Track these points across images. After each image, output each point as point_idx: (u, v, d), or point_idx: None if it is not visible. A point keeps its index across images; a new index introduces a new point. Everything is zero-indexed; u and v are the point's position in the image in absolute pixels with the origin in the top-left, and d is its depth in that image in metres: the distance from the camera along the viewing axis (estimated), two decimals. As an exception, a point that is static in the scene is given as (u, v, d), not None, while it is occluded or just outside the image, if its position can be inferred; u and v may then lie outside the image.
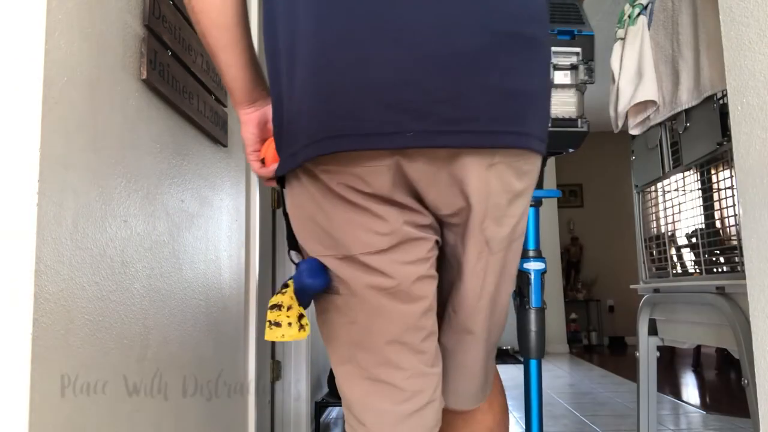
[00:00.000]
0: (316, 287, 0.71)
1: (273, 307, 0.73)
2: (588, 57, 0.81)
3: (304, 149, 0.65)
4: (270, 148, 0.81)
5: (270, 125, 0.80)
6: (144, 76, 0.93)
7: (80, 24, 0.76)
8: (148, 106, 0.97)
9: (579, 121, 0.78)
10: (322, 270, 0.71)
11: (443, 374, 0.78)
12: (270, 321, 0.73)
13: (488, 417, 0.90)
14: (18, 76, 0.67)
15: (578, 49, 0.82)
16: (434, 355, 0.75)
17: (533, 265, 0.92)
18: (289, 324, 0.73)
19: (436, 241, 0.74)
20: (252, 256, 1.59)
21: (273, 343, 2.44)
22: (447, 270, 0.76)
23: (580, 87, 0.79)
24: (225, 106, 1.35)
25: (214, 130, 1.26)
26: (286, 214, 0.76)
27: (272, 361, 2.42)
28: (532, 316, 0.92)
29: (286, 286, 0.74)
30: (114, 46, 0.86)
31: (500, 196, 0.69)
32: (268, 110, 0.82)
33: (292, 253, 0.77)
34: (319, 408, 2.73)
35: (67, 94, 0.73)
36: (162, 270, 1.00)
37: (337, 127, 0.63)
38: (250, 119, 0.83)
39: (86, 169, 0.77)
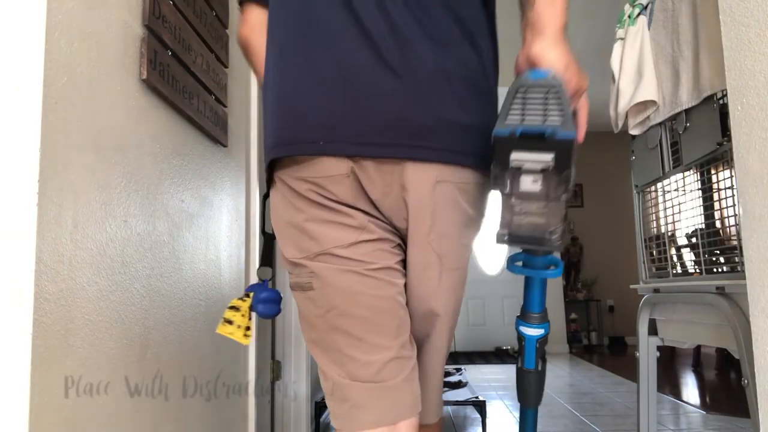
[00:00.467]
0: (265, 315, 0.86)
1: (231, 308, 0.85)
2: (563, 168, 0.68)
3: (268, 157, 0.82)
4: None
5: None
6: (144, 76, 0.93)
7: (80, 24, 0.76)
8: (148, 106, 0.97)
9: (548, 235, 0.69)
10: (276, 302, 0.87)
11: None
12: (225, 318, 0.85)
13: None
14: (18, 76, 0.67)
15: (550, 156, 0.69)
16: (408, 341, 0.81)
17: (530, 331, 0.88)
18: (239, 326, 0.85)
19: (399, 244, 0.82)
20: (252, 256, 1.59)
21: (273, 344, 2.44)
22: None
23: (552, 197, 0.68)
24: (225, 106, 1.35)
25: (214, 130, 1.26)
26: (265, 233, 0.90)
27: (272, 361, 2.42)
28: (524, 376, 0.90)
29: (247, 295, 0.86)
30: (114, 46, 0.85)
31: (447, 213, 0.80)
32: None
33: (261, 269, 0.91)
34: (319, 408, 2.73)
35: (67, 94, 0.73)
36: (162, 270, 1.00)
37: (284, 138, 0.79)
38: None
39: (86, 169, 0.77)
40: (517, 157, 0.71)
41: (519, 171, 0.72)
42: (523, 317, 0.90)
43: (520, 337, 0.91)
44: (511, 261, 0.87)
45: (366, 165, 0.77)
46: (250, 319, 0.86)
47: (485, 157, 0.77)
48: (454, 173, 0.78)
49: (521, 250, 0.83)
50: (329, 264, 0.78)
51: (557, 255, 0.81)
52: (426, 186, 0.77)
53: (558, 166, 0.69)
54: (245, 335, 0.85)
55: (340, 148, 0.77)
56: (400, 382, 0.79)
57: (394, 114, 0.77)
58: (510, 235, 0.73)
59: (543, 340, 0.90)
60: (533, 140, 0.70)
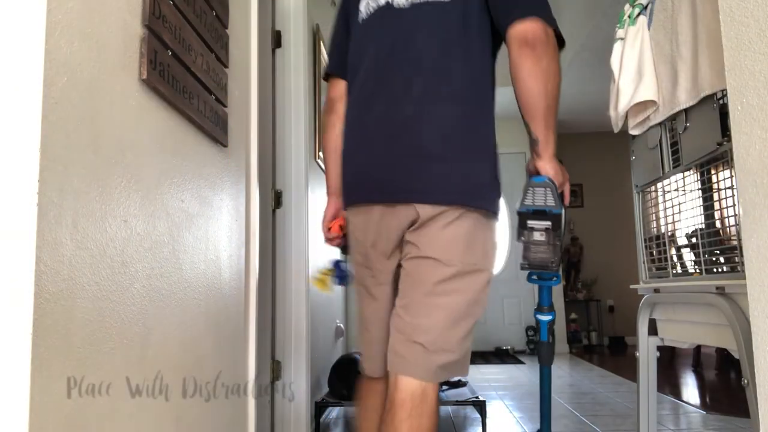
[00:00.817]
0: (338, 281, 1.55)
1: (321, 272, 1.55)
2: (556, 228, 1.27)
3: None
4: (335, 223, 1.47)
5: (339, 212, 1.48)
6: (144, 76, 0.93)
7: (80, 24, 0.76)
8: (148, 106, 0.97)
9: (550, 264, 1.28)
10: (346, 274, 1.53)
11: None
12: (316, 277, 1.55)
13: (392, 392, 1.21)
14: (18, 76, 0.67)
15: (548, 223, 1.27)
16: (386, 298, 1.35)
17: (543, 317, 1.46)
18: (324, 284, 1.55)
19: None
20: (252, 256, 1.59)
21: (273, 344, 2.44)
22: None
23: (551, 243, 1.27)
24: (225, 106, 1.35)
25: (214, 130, 1.26)
26: (344, 247, 1.50)
27: (272, 361, 2.42)
28: (541, 346, 1.48)
29: (330, 267, 1.55)
30: (114, 46, 0.86)
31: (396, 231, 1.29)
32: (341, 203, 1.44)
33: (342, 255, 1.52)
34: (319, 408, 2.73)
35: (67, 94, 0.73)
36: (162, 270, 1.00)
37: (347, 192, 1.36)
38: (331, 204, 1.49)
39: (86, 169, 0.77)
40: (531, 223, 1.28)
41: (532, 230, 1.28)
42: (539, 309, 1.46)
43: (537, 321, 1.48)
44: (529, 276, 1.41)
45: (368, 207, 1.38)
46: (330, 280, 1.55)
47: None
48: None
49: (535, 272, 1.37)
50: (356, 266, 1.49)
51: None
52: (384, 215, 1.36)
53: (553, 227, 1.27)
54: (324, 287, 1.55)
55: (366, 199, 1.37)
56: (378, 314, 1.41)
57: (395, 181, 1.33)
58: (528, 264, 1.29)
59: (552, 323, 1.47)
60: (539, 214, 1.27)
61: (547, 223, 1.26)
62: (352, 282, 1.45)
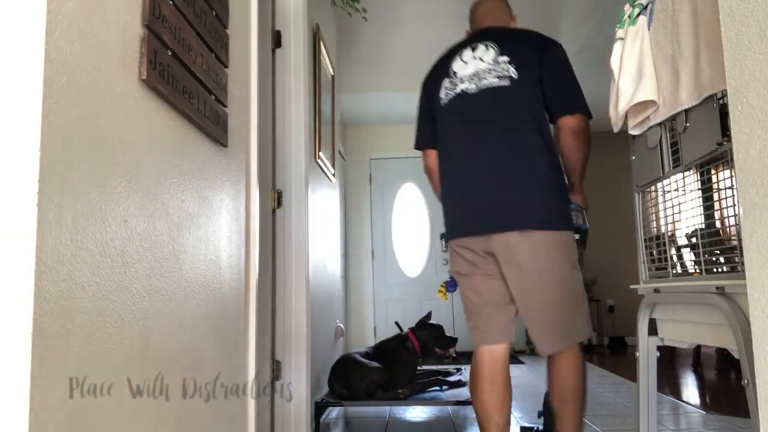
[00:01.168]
0: (451, 290, 2.08)
1: (441, 286, 2.16)
2: (584, 240, 1.93)
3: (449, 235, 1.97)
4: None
5: None
6: (144, 76, 0.93)
7: (80, 24, 0.76)
8: (148, 106, 0.97)
9: (579, 237, 1.90)
10: (454, 283, 2.02)
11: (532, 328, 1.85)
12: (440, 290, 2.20)
13: (561, 362, 1.81)
14: (18, 76, 0.67)
15: (578, 236, 1.89)
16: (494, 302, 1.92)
17: None
18: (443, 294, 2.21)
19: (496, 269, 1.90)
20: (252, 256, 1.59)
21: (273, 344, 2.44)
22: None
23: (581, 238, 1.92)
24: (225, 106, 1.35)
25: (214, 130, 1.26)
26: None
27: (272, 361, 2.42)
28: None
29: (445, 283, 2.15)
30: (114, 46, 0.85)
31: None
32: None
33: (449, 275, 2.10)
34: (319, 408, 2.73)
35: (67, 94, 0.73)
36: (162, 270, 1.00)
37: (456, 230, 1.93)
38: None
39: (86, 169, 0.77)
40: None
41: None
42: None
43: None
44: None
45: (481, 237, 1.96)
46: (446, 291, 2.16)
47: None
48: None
49: None
50: (458, 276, 2.07)
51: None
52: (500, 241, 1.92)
53: (581, 239, 1.89)
54: (443, 295, 2.22)
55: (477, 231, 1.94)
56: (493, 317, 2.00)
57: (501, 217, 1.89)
58: None
59: None
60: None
61: (577, 236, 1.87)
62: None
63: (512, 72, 1.79)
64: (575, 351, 1.78)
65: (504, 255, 1.76)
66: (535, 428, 2.64)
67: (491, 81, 1.81)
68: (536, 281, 1.74)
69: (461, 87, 1.86)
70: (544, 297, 1.74)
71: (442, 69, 1.96)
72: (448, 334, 3.27)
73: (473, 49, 1.89)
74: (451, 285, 2.15)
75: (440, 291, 2.38)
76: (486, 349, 1.84)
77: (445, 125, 1.91)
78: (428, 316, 3.28)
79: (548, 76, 1.78)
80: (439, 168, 1.97)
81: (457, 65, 1.90)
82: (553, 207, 1.76)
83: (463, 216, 1.85)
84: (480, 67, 1.84)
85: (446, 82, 1.91)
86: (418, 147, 2.06)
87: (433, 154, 2.00)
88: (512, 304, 1.84)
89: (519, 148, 1.75)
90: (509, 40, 1.85)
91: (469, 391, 1.90)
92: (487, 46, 1.86)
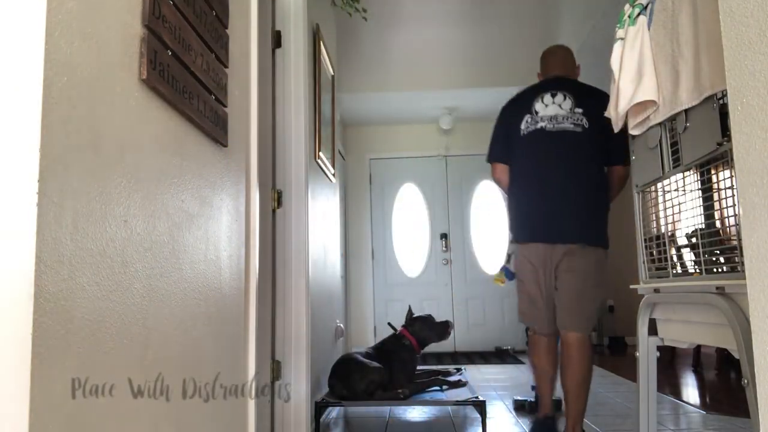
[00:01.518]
0: (509, 277, 2.93)
1: (500, 273, 3.06)
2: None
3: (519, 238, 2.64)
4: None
5: None
6: (144, 76, 0.93)
7: (80, 24, 0.76)
8: (148, 106, 0.97)
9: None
10: (511, 273, 2.88)
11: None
12: (495, 276, 3.09)
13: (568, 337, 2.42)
14: (18, 76, 0.67)
15: None
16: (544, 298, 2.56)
17: None
18: (500, 281, 3.08)
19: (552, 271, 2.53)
20: (252, 256, 1.59)
21: (273, 344, 2.44)
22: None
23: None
24: (225, 106, 1.35)
25: (214, 130, 1.26)
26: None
27: (272, 361, 2.42)
28: None
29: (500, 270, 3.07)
30: (114, 46, 0.85)
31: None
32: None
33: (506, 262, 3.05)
34: (319, 408, 2.73)
35: (67, 94, 0.73)
36: (162, 270, 1.00)
37: (527, 235, 2.55)
38: None
39: (86, 169, 0.77)
40: None
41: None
42: None
43: None
44: None
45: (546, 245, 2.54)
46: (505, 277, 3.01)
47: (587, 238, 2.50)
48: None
49: None
50: (520, 276, 2.65)
51: None
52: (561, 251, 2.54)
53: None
54: (502, 282, 3.06)
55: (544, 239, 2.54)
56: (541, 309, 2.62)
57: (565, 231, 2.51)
58: None
59: None
60: None
61: None
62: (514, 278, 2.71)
63: (585, 122, 2.42)
64: (587, 339, 2.43)
65: (564, 259, 2.39)
66: (527, 401, 3.22)
67: (567, 126, 2.43)
68: (581, 280, 2.38)
69: (541, 124, 2.47)
70: (580, 289, 2.39)
71: (524, 105, 2.54)
72: (438, 320, 3.32)
73: (553, 96, 2.49)
74: (509, 273, 2.85)
75: (497, 279, 3.01)
76: (542, 338, 2.57)
77: (523, 150, 2.52)
78: (410, 310, 3.34)
79: (609, 131, 2.14)
80: (511, 181, 2.58)
81: (538, 106, 2.50)
82: (602, 231, 2.42)
83: (534, 227, 2.47)
84: (559, 113, 2.45)
85: (527, 117, 2.51)
86: (490, 160, 2.66)
87: (504, 169, 2.62)
88: (552, 301, 2.47)
89: (584, 183, 2.40)
90: (584, 97, 2.46)
91: (529, 361, 2.70)
92: (565, 96, 2.47)
